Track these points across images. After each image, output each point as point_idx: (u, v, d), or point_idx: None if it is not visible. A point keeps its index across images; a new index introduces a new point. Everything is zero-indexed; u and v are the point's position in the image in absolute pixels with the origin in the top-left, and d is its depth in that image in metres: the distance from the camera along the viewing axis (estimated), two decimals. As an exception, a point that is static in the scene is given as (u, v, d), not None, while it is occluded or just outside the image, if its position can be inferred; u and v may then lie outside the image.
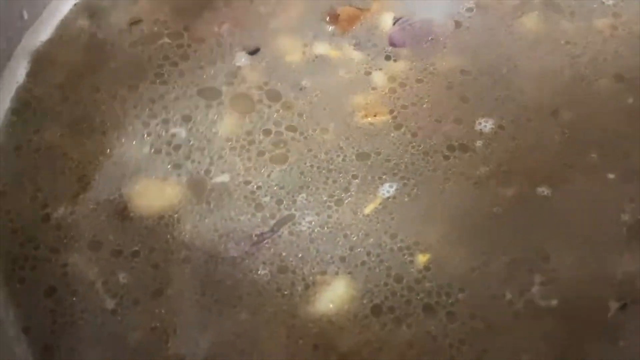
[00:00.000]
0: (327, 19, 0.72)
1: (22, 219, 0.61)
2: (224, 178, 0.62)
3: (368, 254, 0.58)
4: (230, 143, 0.63)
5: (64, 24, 0.73)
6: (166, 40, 0.70)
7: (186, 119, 0.65)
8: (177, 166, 0.62)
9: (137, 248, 0.59)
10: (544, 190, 0.60)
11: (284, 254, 0.58)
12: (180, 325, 0.56)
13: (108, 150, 0.63)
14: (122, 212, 0.60)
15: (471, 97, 0.65)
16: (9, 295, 0.57)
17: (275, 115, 0.65)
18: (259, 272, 0.57)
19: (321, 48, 0.70)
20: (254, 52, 0.70)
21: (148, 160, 0.63)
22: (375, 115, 0.65)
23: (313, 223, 0.59)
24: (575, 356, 0.54)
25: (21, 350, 0.56)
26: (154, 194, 0.61)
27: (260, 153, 0.63)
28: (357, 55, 0.69)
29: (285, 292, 0.56)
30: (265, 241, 0.59)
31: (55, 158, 0.63)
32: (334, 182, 0.61)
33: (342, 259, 0.57)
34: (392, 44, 0.70)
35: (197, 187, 0.61)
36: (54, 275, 0.58)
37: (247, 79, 0.67)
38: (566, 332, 0.54)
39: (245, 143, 0.63)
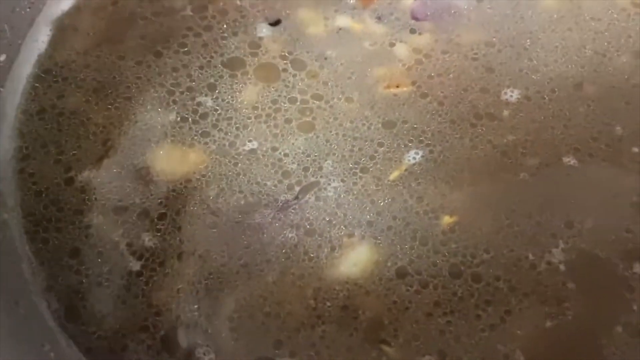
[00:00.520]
0: (349, -7, 0.72)
1: (46, 181, 0.60)
2: (252, 145, 0.61)
3: (394, 218, 0.58)
4: (256, 111, 0.63)
5: (87, -7, 0.73)
6: (189, 12, 0.70)
7: (211, 87, 0.65)
8: (205, 134, 0.62)
9: (163, 211, 0.58)
10: (570, 160, 0.61)
11: (311, 217, 0.58)
12: (206, 287, 0.55)
13: (133, 115, 0.63)
14: (146, 176, 0.60)
15: (496, 68, 0.66)
16: (33, 256, 0.57)
17: (300, 84, 0.65)
18: (287, 234, 0.57)
19: (343, 21, 0.70)
20: (275, 23, 0.70)
21: (174, 127, 0.63)
22: (397, 87, 0.65)
23: (339, 189, 0.59)
24: (595, 319, 0.54)
25: (46, 309, 0.55)
26: (179, 159, 0.61)
27: (287, 121, 0.63)
28: (379, 28, 0.69)
29: (312, 255, 0.56)
30: (292, 207, 0.58)
31: (80, 122, 0.63)
32: (360, 149, 0.61)
33: (370, 224, 0.58)
34: (415, 17, 0.70)
35: (225, 154, 0.61)
36: (78, 237, 0.58)
37: (270, 50, 0.67)
38: (586, 295, 0.55)
39: (271, 111, 0.63)
